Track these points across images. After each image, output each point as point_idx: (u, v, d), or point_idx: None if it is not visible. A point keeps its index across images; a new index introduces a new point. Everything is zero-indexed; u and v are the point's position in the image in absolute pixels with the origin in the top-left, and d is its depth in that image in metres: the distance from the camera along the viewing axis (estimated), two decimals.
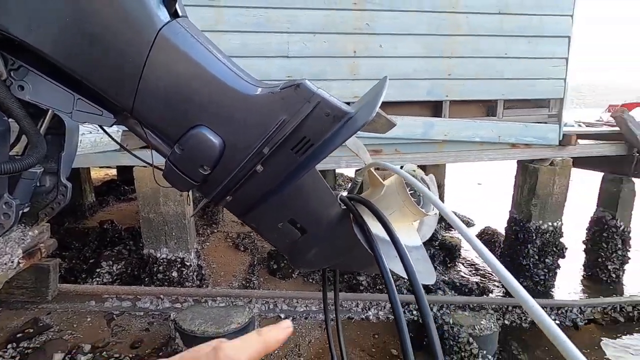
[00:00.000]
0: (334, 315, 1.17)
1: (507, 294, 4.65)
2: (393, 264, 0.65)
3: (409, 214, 0.79)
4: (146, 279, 3.59)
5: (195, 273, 3.71)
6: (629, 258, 5.05)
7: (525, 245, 4.56)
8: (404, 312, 3.30)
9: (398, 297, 0.61)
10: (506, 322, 3.51)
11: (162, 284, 3.48)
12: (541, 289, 4.54)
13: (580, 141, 4.58)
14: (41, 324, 2.95)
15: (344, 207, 0.83)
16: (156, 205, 3.49)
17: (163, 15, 0.73)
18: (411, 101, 3.88)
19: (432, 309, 3.31)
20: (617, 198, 4.80)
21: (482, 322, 3.08)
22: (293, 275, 4.57)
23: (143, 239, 3.62)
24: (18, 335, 2.81)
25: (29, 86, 0.81)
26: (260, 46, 3.39)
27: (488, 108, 4.15)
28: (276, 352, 3.07)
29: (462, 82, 3.89)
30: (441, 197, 7.80)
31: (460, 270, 5.39)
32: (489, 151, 4.10)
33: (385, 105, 3.76)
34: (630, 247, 5.01)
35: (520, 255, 4.62)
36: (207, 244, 5.32)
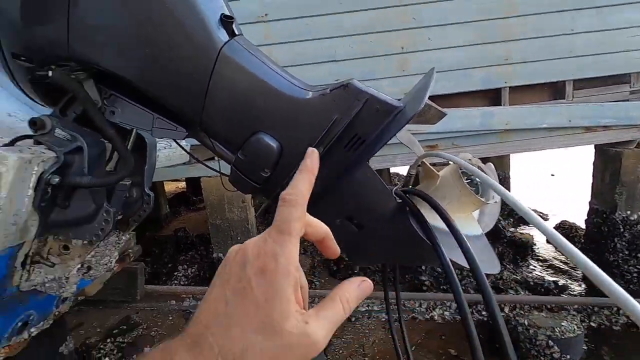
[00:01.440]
0: (397, 315, 1.17)
1: (592, 293, 4.18)
2: (454, 254, 0.64)
3: (468, 204, 0.77)
4: None
5: None
6: None
7: (612, 239, 4.07)
8: (471, 313, 3.15)
9: (462, 291, 0.60)
10: (592, 324, 3.16)
11: None
12: (634, 287, 4.01)
13: None
14: (132, 322, 3.33)
15: (400, 200, 0.84)
16: (222, 212, 3.75)
17: (222, 35, 0.82)
18: (467, 92, 3.71)
19: (502, 310, 3.10)
20: None
21: (562, 323, 2.82)
22: (354, 276, 4.59)
23: (212, 244, 3.90)
24: (114, 332, 3.20)
25: (118, 110, 0.96)
26: (308, 53, 3.49)
27: (554, 91, 3.80)
28: (340, 351, 3.11)
29: (523, 66, 3.62)
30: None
31: (534, 269, 4.97)
32: (560, 137, 3.74)
33: (440, 98, 3.65)
34: None
35: (605, 251, 4.13)
36: None
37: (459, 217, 0.77)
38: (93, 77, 0.92)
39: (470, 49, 3.57)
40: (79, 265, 1.06)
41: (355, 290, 0.33)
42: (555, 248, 0.33)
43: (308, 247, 5.35)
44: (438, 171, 0.84)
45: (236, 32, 0.84)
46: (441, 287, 3.93)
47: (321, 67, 3.52)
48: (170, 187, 10.49)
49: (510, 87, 3.68)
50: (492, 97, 3.77)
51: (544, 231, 0.37)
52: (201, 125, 0.88)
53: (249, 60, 0.80)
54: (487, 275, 0.82)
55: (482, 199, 0.71)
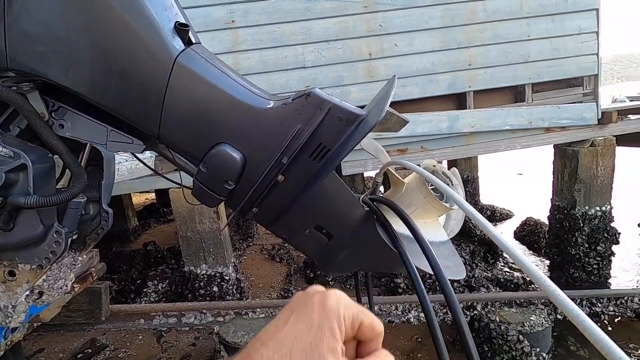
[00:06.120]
0: None
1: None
2: (419, 261, 0.64)
3: (432, 210, 0.78)
4: (189, 295, 3.73)
5: (234, 287, 3.80)
6: None
7: (573, 234, 4.29)
8: (445, 313, 3.20)
9: (427, 295, 0.60)
10: (559, 316, 3.30)
11: (204, 299, 3.60)
12: (595, 278, 4.25)
13: (631, 117, 4.27)
14: (98, 344, 3.14)
15: (367, 209, 0.83)
16: (192, 224, 3.63)
17: (178, 44, 0.78)
18: (434, 96, 3.82)
19: (475, 308, 3.18)
20: None
21: (532, 318, 2.92)
22: (330, 282, 4.57)
23: (183, 257, 3.77)
24: (79, 356, 3.01)
25: (68, 124, 0.90)
26: (277, 60, 3.47)
27: (515, 94, 3.99)
28: None
29: (485, 71, 3.78)
30: (475, 192, 7.54)
31: (504, 266, 5.15)
32: (521, 138, 3.93)
33: (408, 103, 3.73)
34: None
35: (568, 245, 4.35)
36: (244, 257, 5.45)
37: (424, 223, 0.77)
38: (39, 89, 0.86)
39: (436, 55, 3.68)
40: (28, 292, 0.98)
41: None
42: (505, 253, 0.36)
43: (284, 255, 5.29)
44: (404, 177, 0.84)
45: (193, 41, 0.81)
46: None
47: (291, 73, 3.52)
48: (139, 199, 10.10)
49: (474, 92, 3.82)
50: (458, 101, 3.91)
51: (492, 237, 0.38)
52: (159, 138, 0.83)
53: (206, 69, 0.77)
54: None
55: (446, 204, 0.71)
